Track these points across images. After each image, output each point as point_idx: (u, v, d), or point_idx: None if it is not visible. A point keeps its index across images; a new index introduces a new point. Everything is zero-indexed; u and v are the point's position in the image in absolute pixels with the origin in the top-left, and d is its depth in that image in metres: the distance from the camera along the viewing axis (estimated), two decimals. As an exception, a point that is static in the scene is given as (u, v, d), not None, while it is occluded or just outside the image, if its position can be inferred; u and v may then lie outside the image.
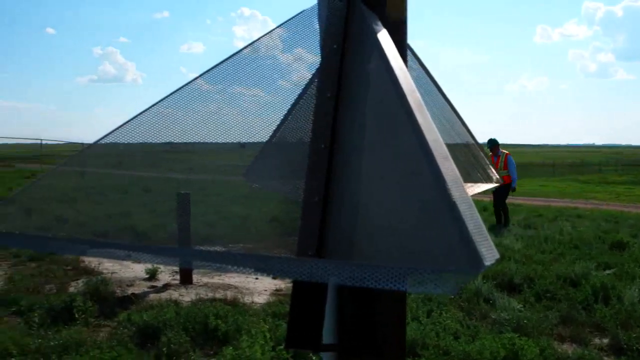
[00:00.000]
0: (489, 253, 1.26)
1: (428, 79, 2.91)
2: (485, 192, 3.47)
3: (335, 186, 1.96)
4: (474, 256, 1.24)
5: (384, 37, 1.86)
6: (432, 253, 1.40)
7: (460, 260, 1.27)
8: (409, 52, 2.34)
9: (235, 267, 1.75)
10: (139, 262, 8.92)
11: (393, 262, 1.50)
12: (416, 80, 1.99)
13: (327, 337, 2.09)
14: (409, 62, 2.34)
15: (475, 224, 1.30)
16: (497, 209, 17.66)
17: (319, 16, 2.18)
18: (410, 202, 1.55)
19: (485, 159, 3.60)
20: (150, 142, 2.27)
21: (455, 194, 1.35)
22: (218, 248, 2.20)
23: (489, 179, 3.51)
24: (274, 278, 9.30)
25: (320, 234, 1.95)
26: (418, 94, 1.65)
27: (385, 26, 1.95)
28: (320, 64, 2.11)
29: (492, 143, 17.59)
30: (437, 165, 1.41)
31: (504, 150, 18.02)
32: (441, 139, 1.52)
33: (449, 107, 3.09)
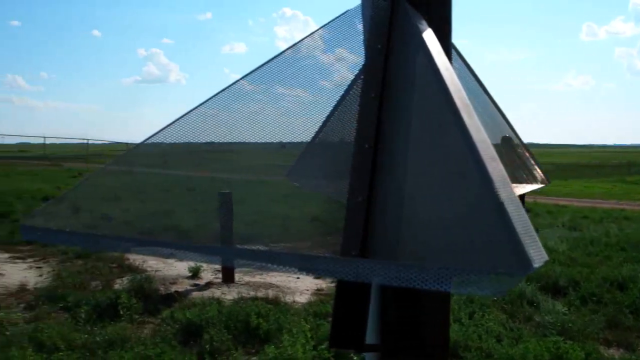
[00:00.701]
0: (537, 255, 1.24)
1: (472, 77, 2.88)
2: (531, 193, 3.41)
3: (379, 186, 1.95)
4: (522, 258, 1.22)
5: (429, 36, 1.85)
6: (479, 254, 1.39)
7: (508, 261, 1.25)
8: (453, 51, 2.32)
9: (280, 266, 1.76)
10: (183, 260, 9.05)
11: (438, 263, 1.48)
12: (460, 79, 1.97)
13: (370, 337, 2.09)
14: (453, 61, 2.32)
15: (524, 224, 1.28)
16: None
17: (363, 16, 2.17)
18: (457, 202, 1.54)
19: (531, 159, 3.54)
20: (195, 142, 2.31)
21: (502, 194, 1.33)
22: (260, 247, 2.22)
23: (534, 180, 3.45)
24: (315, 278, 9.32)
25: (364, 233, 1.94)
26: (464, 94, 1.63)
27: (430, 25, 1.93)
28: (364, 64, 2.10)
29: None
30: (484, 166, 1.39)
31: None
32: (488, 139, 1.50)
33: (492, 106, 3.05)
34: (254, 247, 2.14)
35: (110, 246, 2.54)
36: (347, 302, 2.05)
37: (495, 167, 1.40)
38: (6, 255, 11.21)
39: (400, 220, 1.81)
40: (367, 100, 2.02)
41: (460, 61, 2.76)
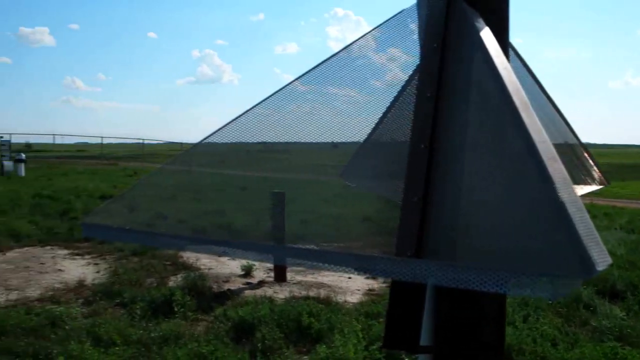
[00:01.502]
0: (600, 257, 1.21)
1: (529, 76, 2.83)
2: (589, 195, 3.31)
3: (435, 186, 1.93)
4: (585, 260, 1.20)
5: (487, 35, 1.82)
6: (539, 256, 1.36)
7: (570, 264, 1.23)
8: (510, 50, 2.29)
9: (335, 266, 1.76)
10: (235, 259, 9.11)
11: (496, 264, 1.46)
12: (517, 78, 1.94)
13: (423, 338, 2.08)
14: (510, 60, 2.28)
15: (586, 226, 1.25)
16: None
17: (418, 15, 2.16)
18: (516, 203, 1.51)
19: (589, 160, 3.45)
20: (250, 142, 2.34)
21: (563, 195, 1.30)
22: (313, 247, 2.23)
23: (592, 180, 3.37)
24: (366, 278, 9.30)
25: (420, 233, 1.93)
26: (523, 93, 1.61)
27: (487, 23, 1.91)
28: (419, 64, 2.09)
29: None
30: (544, 166, 1.36)
31: None
32: (548, 140, 1.48)
33: (550, 105, 2.99)
34: (308, 247, 2.16)
35: (167, 244, 2.59)
36: (401, 302, 2.04)
37: (557, 168, 1.37)
38: (65, 251, 11.54)
39: (457, 221, 1.79)
40: (422, 100, 2.01)
41: (517, 60, 2.71)
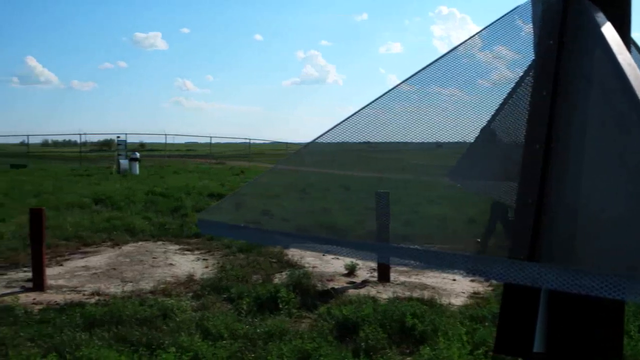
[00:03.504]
0: None
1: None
2: None
3: (551, 188, 1.87)
4: None
5: (608, 30, 1.74)
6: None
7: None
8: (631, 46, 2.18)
9: (444, 267, 1.74)
10: (339, 257, 9.13)
11: (616, 269, 1.40)
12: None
13: (535, 344, 2.01)
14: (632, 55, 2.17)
15: None
16: None
17: (533, 11, 2.10)
18: None
19: None
20: (358, 142, 2.36)
21: (696, 198, 1.23)
22: (418, 247, 2.21)
23: None
24: (472, 280, 9.11)
25: (534, 236, 1.87)
26: (650, 91, 1.52)
27: (608, 17, 1.82)
28: (534, 62, 2.03)
29: None
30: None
31: None
32: (678, 140, 1.40)
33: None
34: (416, 247, 2.14)
35: (278, 241, 2.66)
36: (514, 307, 1.99)
37: (687, 170, 1.29)
38: (176, 247, 12.01)
39: (574, 223, 1.73)
40: (537, 99, 1.95)
41: (639, 55, 2.58)
